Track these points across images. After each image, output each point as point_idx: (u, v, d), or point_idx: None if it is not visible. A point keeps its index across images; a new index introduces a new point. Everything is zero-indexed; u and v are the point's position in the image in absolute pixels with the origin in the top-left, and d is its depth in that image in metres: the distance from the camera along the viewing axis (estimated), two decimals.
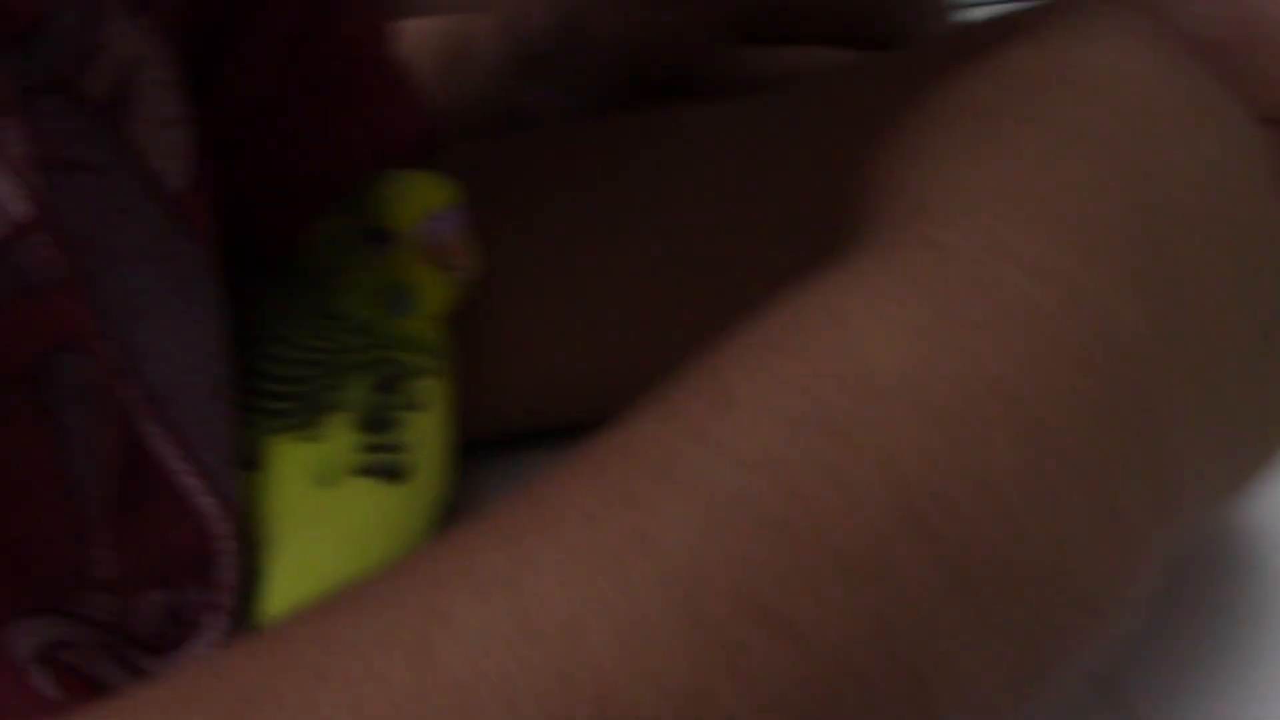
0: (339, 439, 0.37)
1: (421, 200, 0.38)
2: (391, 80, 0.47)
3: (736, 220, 0.43)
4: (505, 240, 0.43)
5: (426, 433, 0.38)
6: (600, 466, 0.24)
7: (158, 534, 0.33)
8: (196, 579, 0.34)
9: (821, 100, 0.44)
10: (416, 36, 0.52)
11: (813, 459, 0.23)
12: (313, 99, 0.44)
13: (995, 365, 0.25)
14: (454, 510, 0.40)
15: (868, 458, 0.23)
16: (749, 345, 0.26)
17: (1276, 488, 0.32)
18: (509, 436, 0.46)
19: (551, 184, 0.46)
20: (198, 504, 0.34)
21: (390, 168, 0.42)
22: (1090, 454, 0.25)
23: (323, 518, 0.36)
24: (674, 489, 0.23)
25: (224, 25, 0.41)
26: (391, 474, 0.37)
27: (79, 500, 0.30)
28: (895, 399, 0.24)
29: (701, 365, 0.26)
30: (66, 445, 0.30)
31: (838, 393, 0.24)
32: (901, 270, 0.26)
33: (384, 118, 0.46)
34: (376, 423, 0.37)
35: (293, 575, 0.35)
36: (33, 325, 0.29)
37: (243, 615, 0.35)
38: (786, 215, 0.42)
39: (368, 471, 0.37)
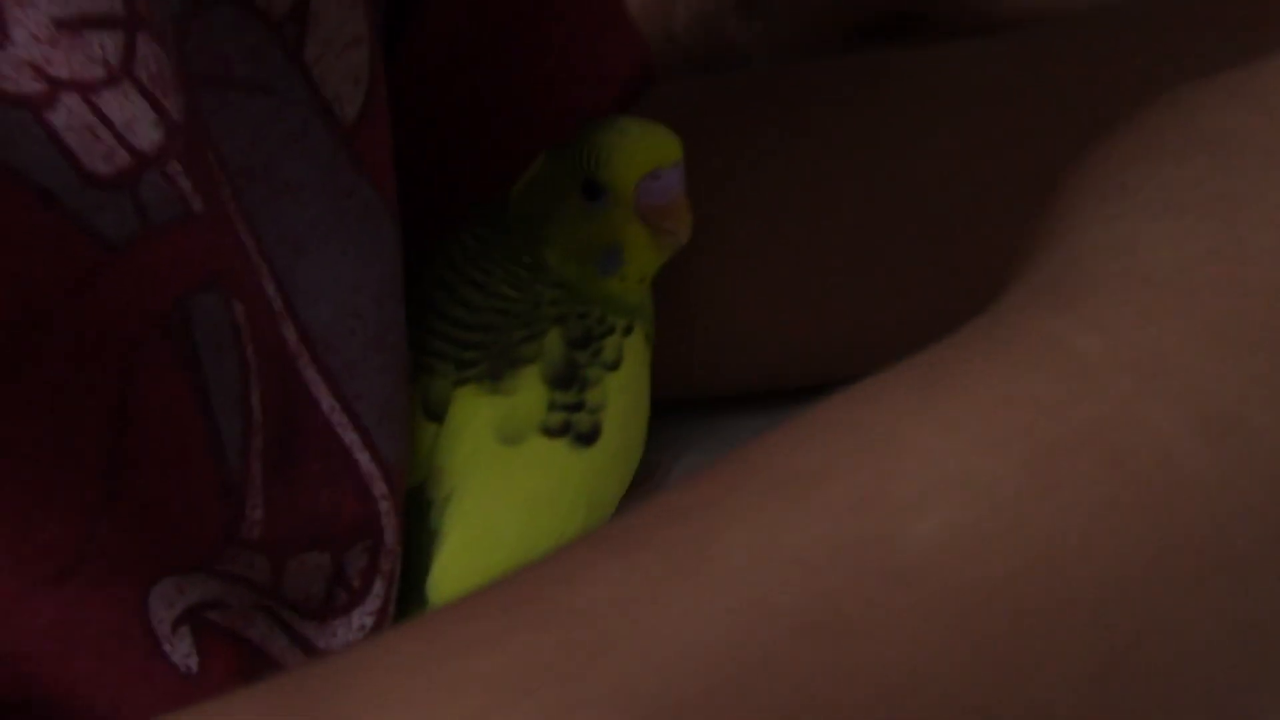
0: (528, 395, 0.35)
1: (645, 157, 0.35)
2: (610, 9, 0.43)
3: (972, 175, 0.41)
4: (712, 189, 0.40)
5: (620, 394, 0.36)
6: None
7: (314, 492, 0.31)
8: (356, 542, 0.32)
9: (1062, 52, 0.41)
10: None
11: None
12: (525, 28, 0.41)
13: (1080, 574, 0.18)
14: (642, 475, 0.39)
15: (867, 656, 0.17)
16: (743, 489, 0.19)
17: None
18: (708, 400, 0.44)
19: (764, 130, 0.43)
20: (357, 460, 0.32)
21: (607, 107, 0.41)
22: None
23: (505, 477, 0.35)
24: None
25: None
26: (581, 436, 0.35)
27: (228, 454, 0.28)
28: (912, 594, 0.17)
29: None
30: (213, 394, 0.28)
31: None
32: (1004, 384, 0.19)
33: (602, 51, 0.43)
34: (568, 380, 0.36)
35: (469, 536, 0.34)
36: (168, 265, 0.26)
37: (414, 573, 0.34)
38: (1023, 174, 0.39)
39: (556, 431, 0.35)
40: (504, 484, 0.35)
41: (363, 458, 0.32)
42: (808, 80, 0.44)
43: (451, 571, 0.34)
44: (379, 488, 0.33)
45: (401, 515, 0.33)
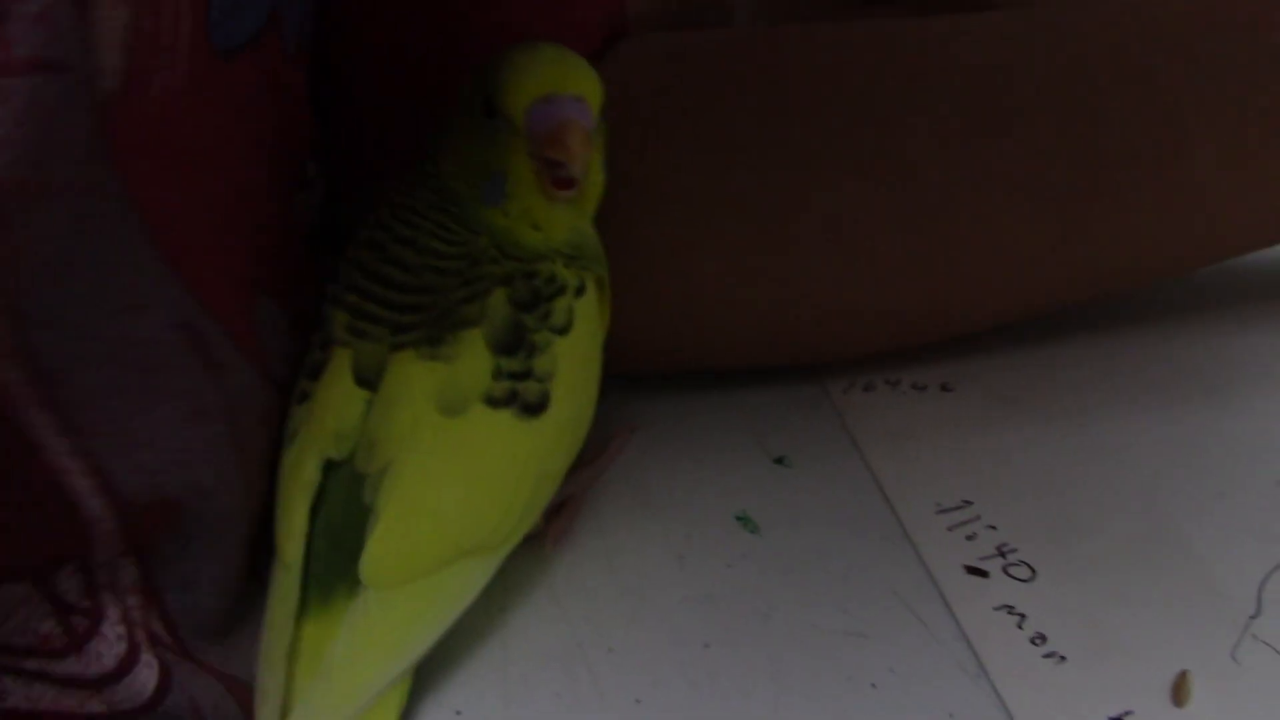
0: (471, 362, 0.33)
1: (540, 80, 0.32)
2: None
3: (948, 159, 0.38)
4: (679, 154, 0.37)
5: (570, 361, 0.34)
6: None
7: (20, 521, 0.29)
8: (60, 566, 0.30)
9: (1048, 34, 0.39)
10: None
11: None
12: None
13: None
14: (593, 448, 0.37)
15: None
16: None
17: None
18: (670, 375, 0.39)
19: (739, 96, 0.40)
20: (75, 489, 0.29)
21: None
22: None
23: (447, 450, 0.33)
24: None
25: None
26: (528, 406, 0.33)
27: None
28: None
29: None
30: None
31: None
32: None
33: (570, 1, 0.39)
34: (514, 345, 0.33)
35: (405, 512, 0.32)
36: None
37: (345, 551, 0.32)
38: (1002, 160, 0.38)
39: (501, 401, 0.33)
40: (445, 458, 0.33)
41: (84, 484, 0.29)
42: (787, 46, 0.41)
43: (386, 550, 0.32)
44: (104, 525, 0.30)
45: (124, 523, 0.31)
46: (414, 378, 0.33)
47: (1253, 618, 0.34)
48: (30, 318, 0.27)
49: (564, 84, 0.32)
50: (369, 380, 0.33)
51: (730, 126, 0.40)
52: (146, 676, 0.32)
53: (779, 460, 0.41)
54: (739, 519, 0.38)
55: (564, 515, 0.38)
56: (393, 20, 0.39)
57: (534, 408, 0.33)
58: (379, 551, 0.32)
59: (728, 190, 0.40)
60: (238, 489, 0.33)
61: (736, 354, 0.42)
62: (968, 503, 0.38)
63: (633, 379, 0.43)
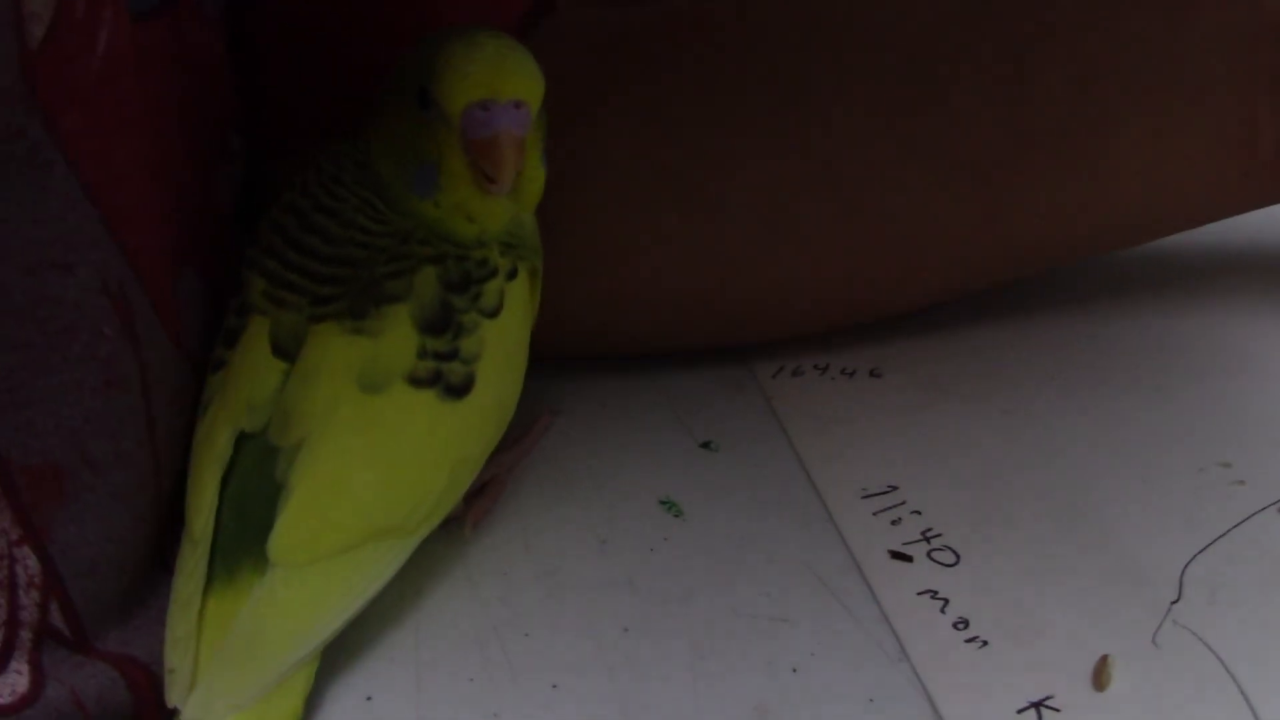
0: (396, 338, 0.32)
1: (479, 83, 0.31)
2: None
3: (883, 138, 0.38)
4: (611, 134, 0.36)
5: (498, 344, 0.33)
6: None
7: None
8: None
9: (983, 11, 0.38)
10: None
11: None
12: None
13: None
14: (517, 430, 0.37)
15: None
16: None
17: None
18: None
19: (673, 73, 0.40)
20: None
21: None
22: None
23: (365, 428, 0.32)
24: None
25: None
26: (452, 388, 0.32)
27: None
28: None
29: None
30: None
31: None
32: None
33: None
34: (441, 325, 0.32)
35: (318, 489, 0.31)
36: None
37: (253, 525, 0.31)
38: (936, 139, 0.38)
39: (425, 381, 0.32)
40: (363, 436, 0.32)
41: None
42: (716, 23, 0.41)
43: (296, 527, 0.31)
44: None
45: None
46: (334, 350, 0.32)
47: (1174, 603, 0.34)
48: None
49: (504, 88, 0.31)
50: (287, 350, 0.32)
51: (659, 105, 0.40)
52: (16, 681, 0.31)
53: (705, 445, 0.40)
54: (663, 503, 0.38)
55: (484, 498, 0.37)
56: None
57: (458, 390, 0.33)
58: (289, 528, 0.31)
59: (656, 169, 0.39)
60: (141, 465, 0.32)
61: (665, 337, 0.42)
62: (893, 488, 0.38)
63: (559, 363, 0.42)
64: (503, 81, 0.31)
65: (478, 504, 0.37)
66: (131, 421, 0.31)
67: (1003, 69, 0.39)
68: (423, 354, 0.32)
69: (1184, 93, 0.39)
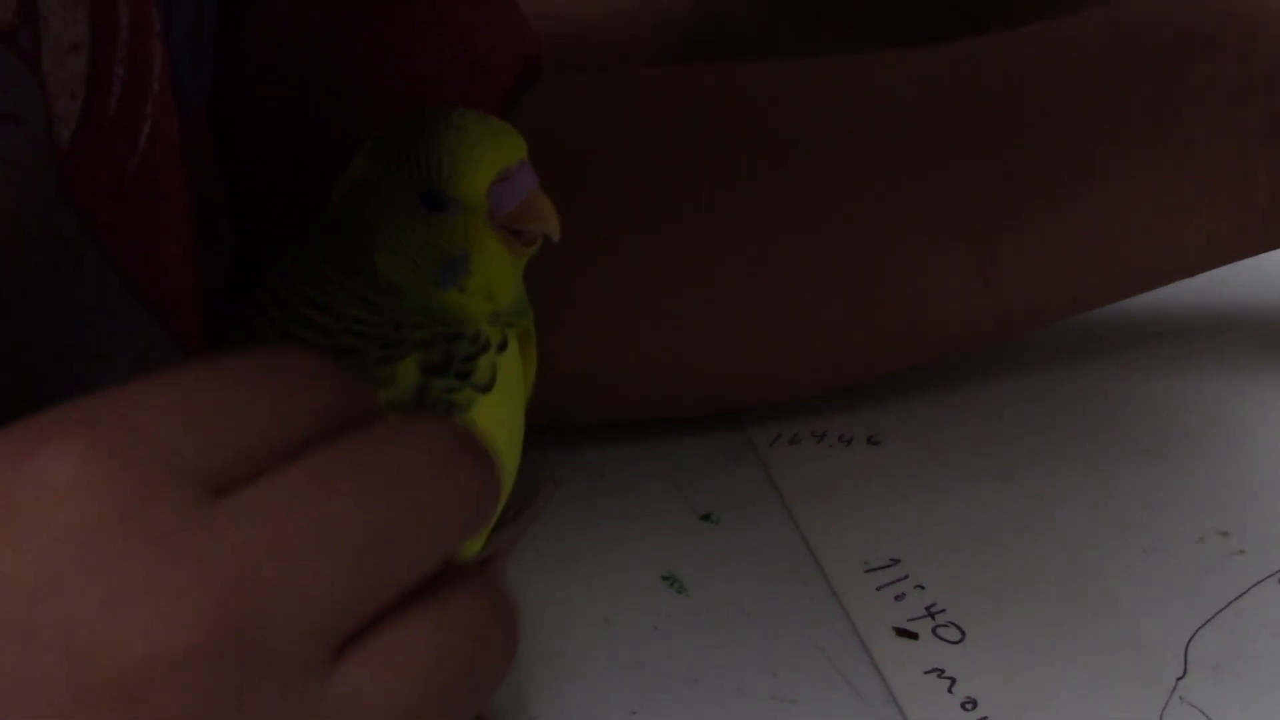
0: None
1: (492, 161, 0.31)
2: None
3: (874, 205, 0.38)
4: (602, 203, 0.36)
5: (490, 418, 0.33)
6: None
7: None
8: None
9: (977, 75, 0.39)
10: None
11: None
12: (392, 11, 0.38)
13: None
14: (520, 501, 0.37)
15: None
16: None
17: None
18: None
19: (662, 140, 0.40)
20: None
21: (495, 105, 0.37)
22: None
23: None
24: None
25: None
26: None
27: None
28: None
29: None
30: None
31: None
32: None
33: (485, 40, 0.39)
34: (422, 408, 0.32)
35: None
36: None
37: None
38: (951, 201, 0.38)
39: None
40: None
41: None
42: (706, 88, 0.41)
43: None
44: None
45: None
46: None
47: (1179, 679, 0.34)
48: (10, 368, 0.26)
49: (509, 154, 0.32)
50: None
51: (652, 173, 0.40)
52: None
53: (705, 517, 0.40)
54: (665, 579, 0.38)
55: (489, 569, 0.37)
56: (295, 73, 0.38)
57: None
58: None
59: (647, 238, 0.39)
60: None
61: (661, 403, 0.42)
62: (895, 561, 0.38)
63: (556, 430, 0.42)
64: (506, 150, 0.32)
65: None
66: None
67: (994, 131, 0.39)
68: None
69: (1177, 147, 0.39)
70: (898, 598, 0.37)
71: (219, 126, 0.37)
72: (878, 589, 0.37)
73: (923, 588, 0.37)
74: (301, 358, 0.19)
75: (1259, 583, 0.37)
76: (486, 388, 0.33)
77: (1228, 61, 0.39)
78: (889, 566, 0.38)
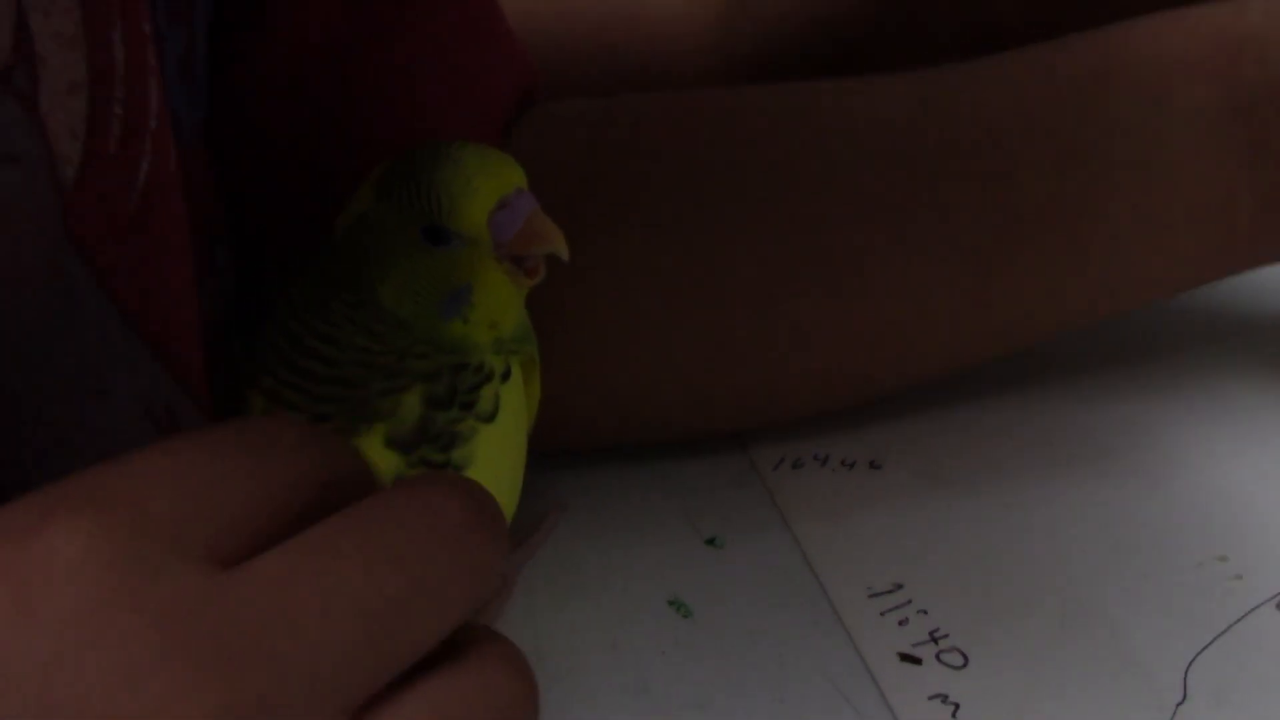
0: (377, 454, 0.33)
1: (490, 191, 0.32)
2: (485, 22, 0.40)
3: (869, 230, 0.39)
4: (602, 229, 0.37)
5: (491, 447, 0.34)
6: None
7: None
8: None
9: (964, 96, 0.39)
10: None
11: None
12: (391, 41, 0.38)
13: None
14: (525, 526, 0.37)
15: None
16: None
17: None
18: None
19: (662, 166, 0.40)
20: None
21: (493, 133, 0.38)
22: None
23: None
24: None
25: None
26: None
27: None
28: None
29: None
30: None
31: None
32: None
33: (481, 69, 0.40)
34: (423, 440, 0.33)
35: None
36: None
37: None
38: (947, 227, 0.39)
39: None
40: None
41: None
42: (704, 114, 0.41)
43: None
44: None
45: None
46: None
47: (1180, 704, 0.35)
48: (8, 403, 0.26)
49: (506, 182, 0.32)
50: None
51: (650, 197, 0.40)
52: None
53: (710, 541, 0.40)
54: (671, 603, 0.38)
55: (495, 597, 0.37)
56: (295, 104, 0.38)
57: None
58: None
59: (648, 264, 0.40)
60: None
61: (665, 426, 0.43)
62: (899, 586, 0.38)
63: (561, 455, 0.42)
64: (502, 179, 0.33)
65: (486, 607, 0.37)
66: None
67: (987, 158, 0.40)
68: (414, 465, 0.33)
69: (1163, 172, 0.40)
70: (901, 623, 0.37)
71: (218, 156, 0.37)
72: (881, 614, 0.38)
73: (926, 613, 0.38)
74: (294, 425, 0.19)
75: (1257, 607, 0.38)
76: (490, 417, 0.34)
77: (1212, 88, 0.40)
78: (892, 591, 0.38)
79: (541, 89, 0.43)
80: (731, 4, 0.50)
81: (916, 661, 0.36)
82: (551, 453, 0.39)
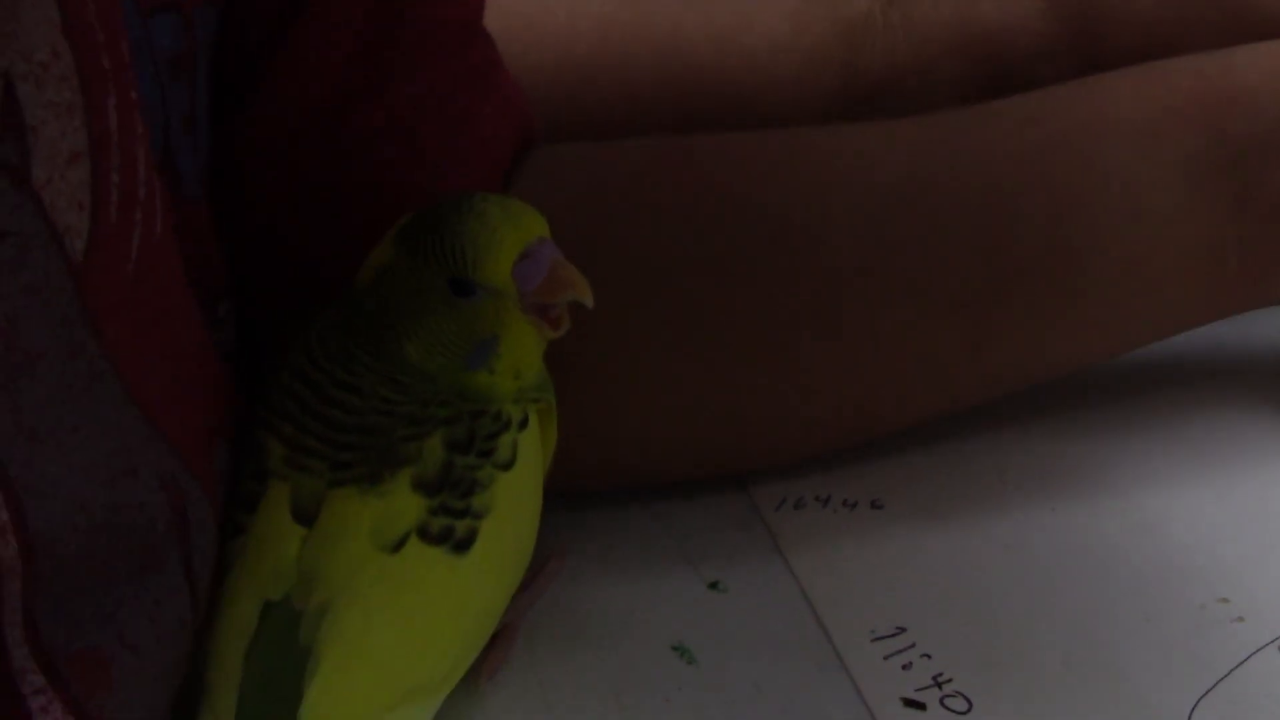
0: (402, 499, 0.33)
1: (514, 242, 0.33)
2: (485, 70, 0.41)
3: (868, 275, 0.39)
4: (604, 280, 0.36)
5: (510, 495, 0.34)
6: None
7: None
8: None
9: (963, 144, 0.40)
10: None
11: None
12: (391, 93, 0.38)
13: None
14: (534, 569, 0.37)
15: None
16: None
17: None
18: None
19: (660, 212, 0.41)
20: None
21: (495, 181, 0.39)
22: None
23: (386, 587, 0.32)
24: None
25: (279, 6, 0.36)
26: (459, 543, 0.33)
27: None
28: None
29: None
30: None
31: None
32: None
33: (476, 115, 0.40)
34: (438, 487, 0.33)
35: (348, 651, 0.32)
36: None
37: (282, 691, 0.31)
38: (943, 274, 0.39)
39: (432, 537, 0.33)
40: (385, 596, 0.32)
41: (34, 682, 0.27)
42: (703, 159, 0.42)
43: (328, 695, 0.31)
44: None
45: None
46: (352, 514, 0.33)
47: None
48: (25, 489, 0.26)
49: (529, 233, 0.33)
50: (306, 515, 0.33)
51: (648, 245, 0.41)
52: None
53: (713, 585, 0.40)
54: (675, 649, 0.38)
55: (498, 647, 0.37)
56: (299, 156, 0.38)
57: (463, 544, 0.33)
58: (321, 696, 0.31)
59: (650, 312, 0.40)
60: (182, 645, 0.32)
61: (667, 469, 0.43)
62: (901, 630, 0.39)
63: (564, 497, 0.42)
64: (525, 229, 0.33)
65: (492, 655, 0.37)
66: (173, 603, 0.31)
67: (979, 207, 0.41)
68: (434, 511, 0.33)
69: (1151, 222, 0.41)
70: (905, 667, 0.37)
71: (221, 209, 0.37)
72: (885, 658, 0.38)
73: (929, 656, 0.38)
74: None
75: (1260, 649, 0.38)
76: (508, 465, 0.34)
77: (1200, 139, 0.40)
78: (895, 635, 0.38)
79: (539, 134, 0.43)
80: (842, 38, 0.50)
81: (921, 707, 0.36)
82: (554, 495, 0.39)
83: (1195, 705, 0.36)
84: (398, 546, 0.32)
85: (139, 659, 0.30)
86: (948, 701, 0.36)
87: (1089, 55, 0.48)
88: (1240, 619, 0.39)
